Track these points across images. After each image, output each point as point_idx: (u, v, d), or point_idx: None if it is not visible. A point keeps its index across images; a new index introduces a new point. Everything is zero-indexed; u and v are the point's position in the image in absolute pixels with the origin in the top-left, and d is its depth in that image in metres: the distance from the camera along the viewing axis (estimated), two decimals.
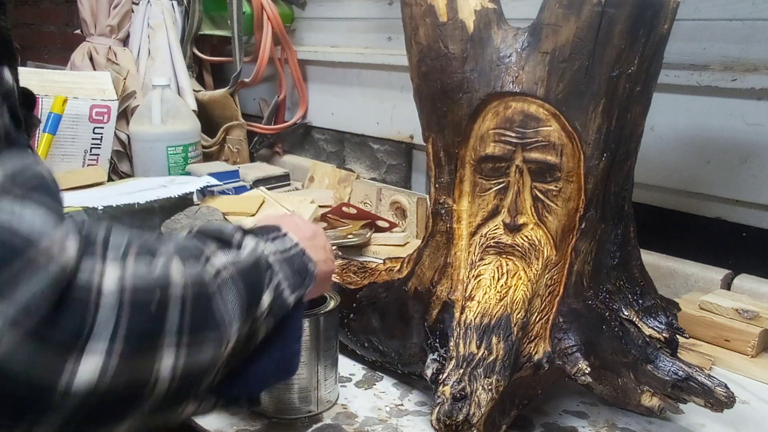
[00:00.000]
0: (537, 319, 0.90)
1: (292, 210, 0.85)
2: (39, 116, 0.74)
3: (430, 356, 0.93)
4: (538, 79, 0.87)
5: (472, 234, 0.95)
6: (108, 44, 2.17)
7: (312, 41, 2.27)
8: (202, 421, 0.92)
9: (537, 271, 0.91)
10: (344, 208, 1.74)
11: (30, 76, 1.95)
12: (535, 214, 0.91)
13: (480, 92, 0.91)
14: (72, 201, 1.61)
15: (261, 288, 0.63)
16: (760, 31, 1.23)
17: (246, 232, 0.68)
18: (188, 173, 2.01)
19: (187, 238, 0.62)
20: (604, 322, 0.91)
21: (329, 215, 1.75)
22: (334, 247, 0.86)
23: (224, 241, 0.63)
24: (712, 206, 1.33)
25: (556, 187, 0.89)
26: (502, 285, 0.90)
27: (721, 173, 1.29)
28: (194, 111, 2.16)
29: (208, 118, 2.27)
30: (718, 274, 1.28)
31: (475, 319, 0.88)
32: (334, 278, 1.09)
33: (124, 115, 2.10)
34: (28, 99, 0.71)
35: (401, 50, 1.04)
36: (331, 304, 0.96)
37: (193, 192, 1.75)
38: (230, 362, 0.61)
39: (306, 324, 0.91)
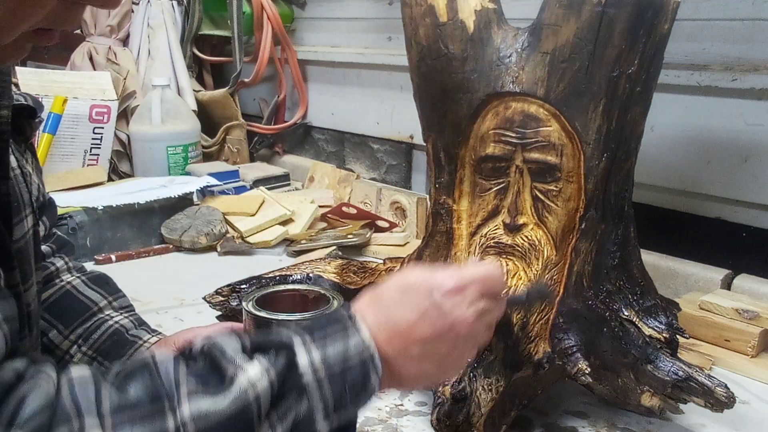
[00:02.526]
0: (537, 320, 0.90)
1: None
2: (41, 117, 0.70)
3: None
4: (538, 79, 0.87)
5: (472, 234, 0.95)
6: (108, 44, 2.17)
7: (312, 41, 2.27)
8: None
9: (537, 271, 0.91)
10: (344, 208, 1.74)
11: (30, 76, 1.95)
12: (535, 215, 0.91)
13: (480, 92, 0.91)
14: (72, 201, 1.61)
15: None
16: (760, 31, 1.23)
17: (259, 348, 0.53)
18: (188, 173, 2.01)
19: (175, 365, 0.51)
20: (604, 322, 0.91)
21: (329, 215, 1.75)
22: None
23: (219, 376, 0.51)
24: (712, 206, 1.33)
25: (556, 187, 0.89)
26: None
27: (721, 173, 1.29)
28: (194, 111, 2.16)
29: (208, 118, 2.27)
30: (718, 274, 1.28)
31: None
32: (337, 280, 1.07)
33: (124, 115, 2.10)
34: (29, 110, 0.70)
35: (401, 50, 1.04)
36: (335, 305, 0.96)
37: (193, 192, 1.75)
38: None
39: None
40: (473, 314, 0.60)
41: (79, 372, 0.49)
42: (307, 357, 0.53)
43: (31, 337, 0.67)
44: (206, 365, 0.52)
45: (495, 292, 0.63)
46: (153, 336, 0.95)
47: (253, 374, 0.51)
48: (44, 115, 1.85)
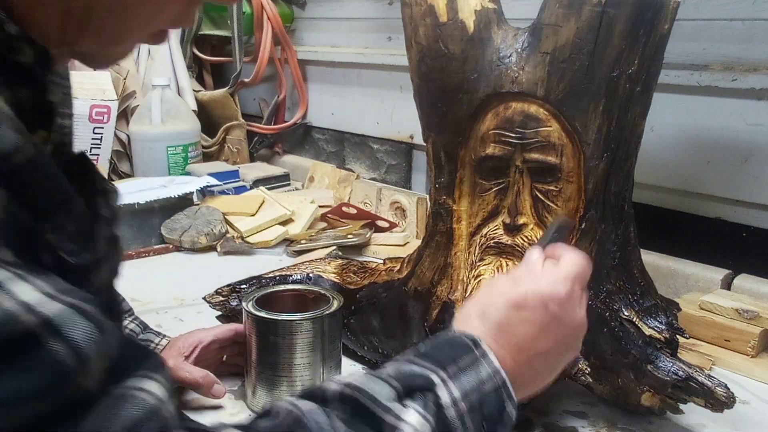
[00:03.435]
0: None
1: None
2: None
3: None
4: (538, 79, 0.87)
5: (472, 234, 0.95)
6: None
7: (312, 41, 2.27)
8: (199, 417, 0.92)
9: None
10: (344, 208, 1.74)
11: None
12: (535, 215, 0.91)
13: (480, 92, 0.91)
14: None
15: None
16: (760, 31, 1.23)
17: (409, 392, 0.50)
18: (188, 173, 2.01)
19: (327, 418, 0.48)
20: (605, 322, 0.91)
21: (329, 215, 1.75)
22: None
23: (375, 427, 0.48)
24: (712, 206, 1.33)
25: (556, 187, 0.89)
26: None
27: (721, 173, 1.29)
28: (194, 111, 2.16)
29: (208, 118, 2.27)
30: (718, 274, 1.28)
31: None
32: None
33: (124, 115, 2.10)
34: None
35: (401, 50, 1.04)
36: (335, 305, 0.96)
37: (193, 192, 1.75)
38: None
39: (311, 325, 0.91)
40: (584, 311, 0.61)
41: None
42: (449, 395, 0.51)
43: None
44: (358, 416, 0.49)
45: (588, 279, 0.63)
46: (162, 339, 0.95)
47: (415, 422, 0.49)
48: None
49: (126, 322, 0.90)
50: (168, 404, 0.42)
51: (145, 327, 0.94)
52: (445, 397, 0.51)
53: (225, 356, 1.01)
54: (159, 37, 0.54)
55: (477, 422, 0.52)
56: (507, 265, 0.92)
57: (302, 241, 1.62)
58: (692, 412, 0.96)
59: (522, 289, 0.60)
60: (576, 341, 0.61)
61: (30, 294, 0.37)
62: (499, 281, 0.62)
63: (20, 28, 0.45)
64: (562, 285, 0.60)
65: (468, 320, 0.60)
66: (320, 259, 1.24)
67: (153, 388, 0.41)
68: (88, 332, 0.38)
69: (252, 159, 2.33)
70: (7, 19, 0.45)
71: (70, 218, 0.46)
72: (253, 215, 1.71)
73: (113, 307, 0.60)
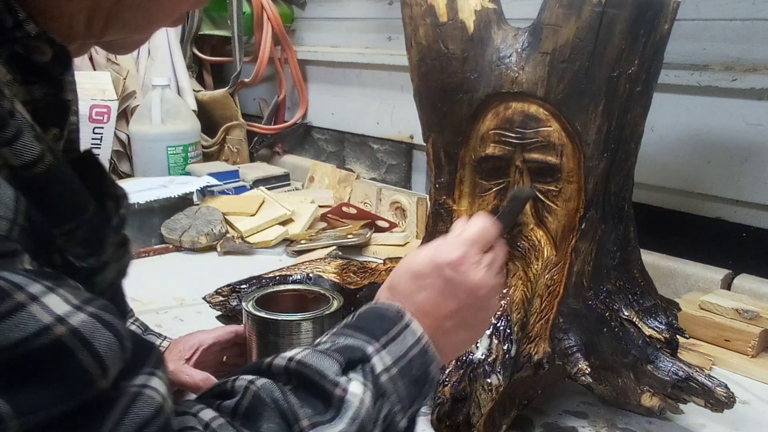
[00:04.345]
0: (537, 319, 0.90)
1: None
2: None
3: None
4: (538, 79, 0.87)
5: None
6: None
7: (312, 41, 2.27)
8: None
9: (537, 271, 0.91)
10: (344, 208, 1.74)
11: None
12: (535, 215, 0.91)
13: (480, 92, 0.91)
14: None
15: None
16: (760, 31, 1.23)
17: (350, 365, 0.54)
18: (188, 173, 2.01)
19: (282, 393, 0.51)
20: (605, 322, 0.91)
21: (329, 215, 1.75)
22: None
23: (324, 400, 0.52)
24: (712, 206, 1.33)
25: (556, 187, 0.89)
26: (502, 285, 0.90)
27: (721, 173, 1.29)
28: (194, 111, 2.17)
29: (208, 118, 2.27)
30: (718, 274, 1.28)
31: None
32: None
33: (124, 115, 2.10)
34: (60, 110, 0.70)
35: (401, 50, 1.04)
36: (335, 305, 0.96)
37: (193, 192, 1.75)
38: None
39: (310, 325, 0.91)
40: (484, 272, 0.64)
41: (208, 414, 0.49)
42: (382, 364, 0.55)
43: None
44: (308, 390, 0.52)
45: (492, 242, 0.67)
46: (163, 341, 0.96)
47: (359, 392, 0.52)
48: None
49: (127, 324, 0.90)
50: (168, 398, 0.44)
51: (145, 329, 0.94)
52: (379, 365, 0.55)
53: (225, 357, 1.01)
54: (180, 20, 0.56)
55: (407, 384, 0.56)
56: (507, 264, 0.91)
57: (302, 241, 1.62)
58: (692, 412, 0.96)
59: (419, 259, 0.64)
60: (482, 300, 0.64)
61: (61, 306, 0.39)
62: (409, 254, 0.66)
63: (40, 27, 0.46)
64: (456, 249, 0.64)
65: (382, 293, 0.64)
66: (320, 259, 1.24)
67: (157, 385, 0.43)
68: (109, 341, 0.40)
69: (252, 159, 2.33)
70: (27, 18, 0.45)
71: (82, 224, 0.48)
72: (253, 215, 1.71)
73: (119, 306, 0.60)
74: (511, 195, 0.86)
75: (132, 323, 0.92)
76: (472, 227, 0.67)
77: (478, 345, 0.86)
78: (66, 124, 0.53)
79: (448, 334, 0.62)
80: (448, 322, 0.62)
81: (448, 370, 0.86)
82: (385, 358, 0.56)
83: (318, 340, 0.58)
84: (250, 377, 0.52)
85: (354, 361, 0.55)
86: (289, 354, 0.54)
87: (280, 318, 0.90)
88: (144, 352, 0.44)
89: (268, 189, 1.93)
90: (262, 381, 0.51)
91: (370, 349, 0.56)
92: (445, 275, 0.62)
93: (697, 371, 0.89)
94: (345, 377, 0.53)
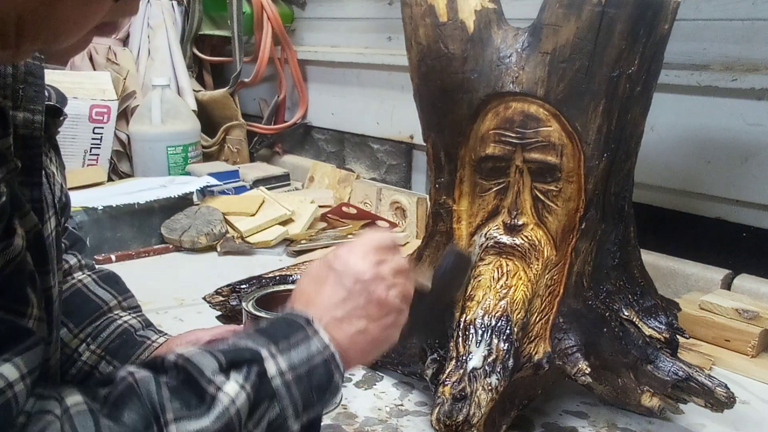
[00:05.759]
0: (537, 320, 0.90)
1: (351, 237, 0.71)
2: (66, 114, 0.72)
3: (430, 356, 0.93)
4: (539, 79, 0.87)
5: (472, 234, 0.95)
6: (108, 44, 2.17)
7: (312, 41, 2.27)
8: None
9: (537, 271, 0.91)
10: (344, 208, 1.74)
11: None
12: (535, 215, 0.91)
13: (480, 92, 0.91)
14: (72, 201, 1.60)
15: None
16: (760, 31, 1.23)
17: (233, 365, 0.56)
18: (188, 173, 2.01)
19: (157, 386, 0.53)
20: (605, 322, 0.91)
21: (329, 215, 1.75)
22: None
23: (198, 396, 0.54)
24: (712, 206, 1.33)
25: (557, 187, 0.89)
26: (502, 285, 0.90)
27: (721, 173, 1.29)
28: (194, 111, 2.17)
29: (208, 118, 2.27)
30: (718, 274, 1.28)
31: (475, 319, 0.88)
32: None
33: (124, 115, 2.10)
34: (54, 109, 0.70)
35: (401, 50, 1.04)
36: None
37: (193, 192, 1.75)
38: None
39: None
40: (368, 262, 0.66)
41: (73, 400, 0.51)
42: (275, 367, 0.57)
43: (54, 342, 0.67)
44: (185, 385, 0.54)
45: (386, 247, 0.68)
46: (160, 336, 0.95)
47: (232, 392, 0.55)
48: None
49: (127, 318, 0.90)
50: (19, 384, 0.46)
51: (147, 324, 0.94)
52: (271, 368, 0.57)
53: None
54: (107, 30, 0.55)
55: (305, 389, 0.58)
56: (507, 264, 0.92)
57: (302, 241, 1.62)
58: (692, 412, 0.96)
59: (316, 263, 0.68)
60: (370, 286, 0.65)
61: None
62: (312, 266, 0.69)
63: None
64: (342, 247, 0.67)
65: (295, 300, 0.67)
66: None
67: (6, 371, 0.45)
68: None
69: (252, 159, 2.33)
70: None
71: None
72: (253, 215, 1.71)
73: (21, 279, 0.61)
74: (445, 260, 0.76)
75: (134, 318, 0.92)
76: (367, 235, 0.70)
77: (478, 345, 0.86)
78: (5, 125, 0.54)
79: (341, 324, 0.63)
80: (339, 311, 0.64)
81: (448, 370, 0.86)
82: (281, 363, 0.58)
83: (225, 339, 0.61)
84: (134, 369, 0.54)
85: (239, 362, 0.56)
86: (182, 350, 0.57)
87: None
88: (7, 338, 0.46)
89: (268, 189, 1.93)
90: (142, 373, 0.54)
91: (264, 352, 0.57)
92: (329, 265, 0.66)
93: (697, 371, 0.89)
94: (222, 376, 0.55)
